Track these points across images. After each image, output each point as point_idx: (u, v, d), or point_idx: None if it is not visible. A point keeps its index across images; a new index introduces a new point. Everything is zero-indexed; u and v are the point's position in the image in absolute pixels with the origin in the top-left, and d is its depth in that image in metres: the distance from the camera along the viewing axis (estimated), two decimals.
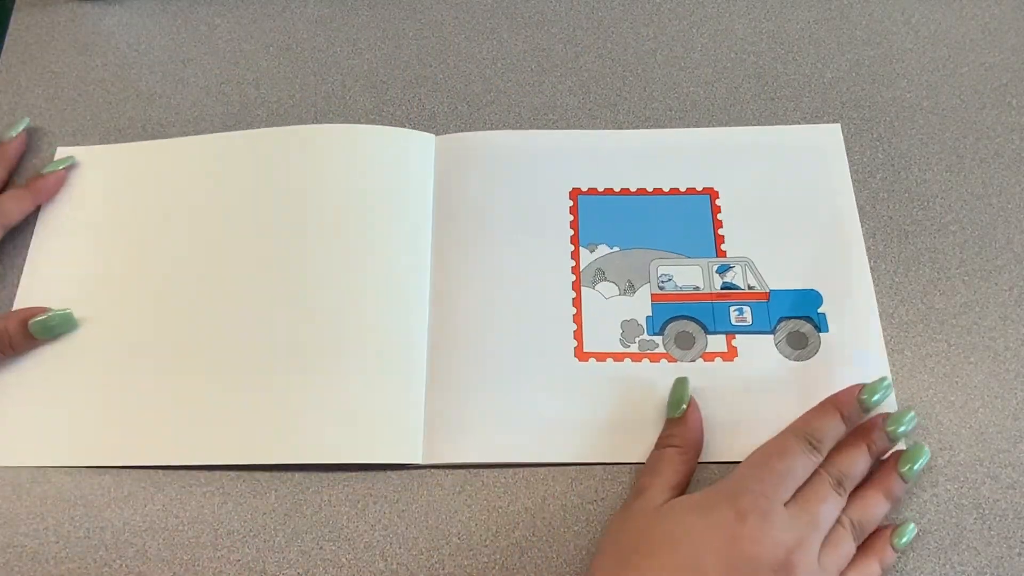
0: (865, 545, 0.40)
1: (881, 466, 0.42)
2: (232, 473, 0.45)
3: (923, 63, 0.55)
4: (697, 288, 0.46)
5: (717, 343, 0.45)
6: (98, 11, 0.60)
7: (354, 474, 0.45)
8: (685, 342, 0.45)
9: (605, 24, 0.58)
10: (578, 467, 0.44)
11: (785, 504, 0.38)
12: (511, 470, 0.45)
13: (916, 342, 0.47)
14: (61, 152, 0.54)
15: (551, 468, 0.45)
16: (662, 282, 0.47)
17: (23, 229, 0.52)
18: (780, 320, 0.46)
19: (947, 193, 0.51)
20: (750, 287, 0.46)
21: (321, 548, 0.43)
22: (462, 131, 0.54)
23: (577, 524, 0.43)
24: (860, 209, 0.50)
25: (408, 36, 0.58)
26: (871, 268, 0.48)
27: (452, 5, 0.59)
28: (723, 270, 0.47)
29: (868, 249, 0.49)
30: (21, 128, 0.54)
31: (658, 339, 0.45)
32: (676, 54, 0.57)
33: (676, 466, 0.41)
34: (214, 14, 0.60)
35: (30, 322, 0.47)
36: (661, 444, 0.43)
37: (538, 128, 0.54)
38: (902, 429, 0.42)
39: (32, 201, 0.51)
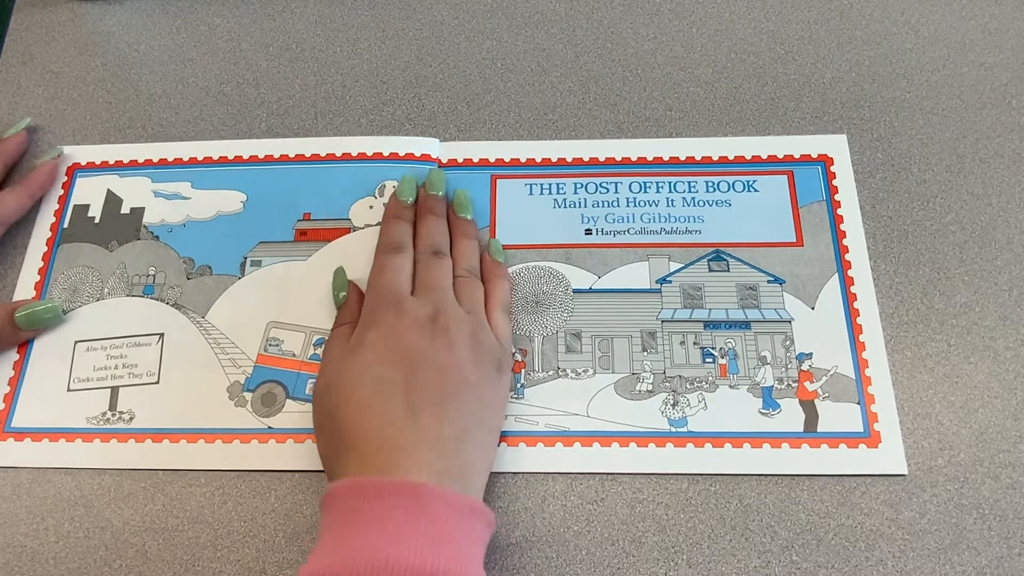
0: (484, 279, 0.48)
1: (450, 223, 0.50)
2: (232, 473, 0.45)
3: (923, 63, 0.55)
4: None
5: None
6: (98, 11, 0.60)
7: None
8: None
9: (605, 24, 0.58)
10: None
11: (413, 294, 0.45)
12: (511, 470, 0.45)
13: (916, 342, 0.47)
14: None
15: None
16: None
17: (24, 227, 0.52)
18: None
19: (947, 193, 0.51)
20: None
21: None
22: (461, 129, 0.54)
23: (577, 524, 0.43)
24: (860, 209, 0.50)
25: (408, 36, 0.58)
26: (871, 268, 0.49)
27: (452, 5, 0.59)
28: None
29: (868, 249, 0.49)
30: (23, 127, 0.54)
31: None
32: (676, 54, 0.57)
33: (347, 336, 0.45)
34: (214, 14, 0.60)
35: (16, 314, 0.47)
36: (335, 326, 0.47)
37: (538, 130, 0.54)
38: (437, 183, 0.50)
39: (28, 196, 0.51)
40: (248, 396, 0.46)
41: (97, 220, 0.52)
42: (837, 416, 0.45)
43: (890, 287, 0.48)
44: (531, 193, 0.52)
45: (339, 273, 0.48)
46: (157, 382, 0.47)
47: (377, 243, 0.49)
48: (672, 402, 0.46)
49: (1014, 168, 0.51)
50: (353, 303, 0.47)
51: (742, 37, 0.57)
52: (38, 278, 0.50)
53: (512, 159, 0.53)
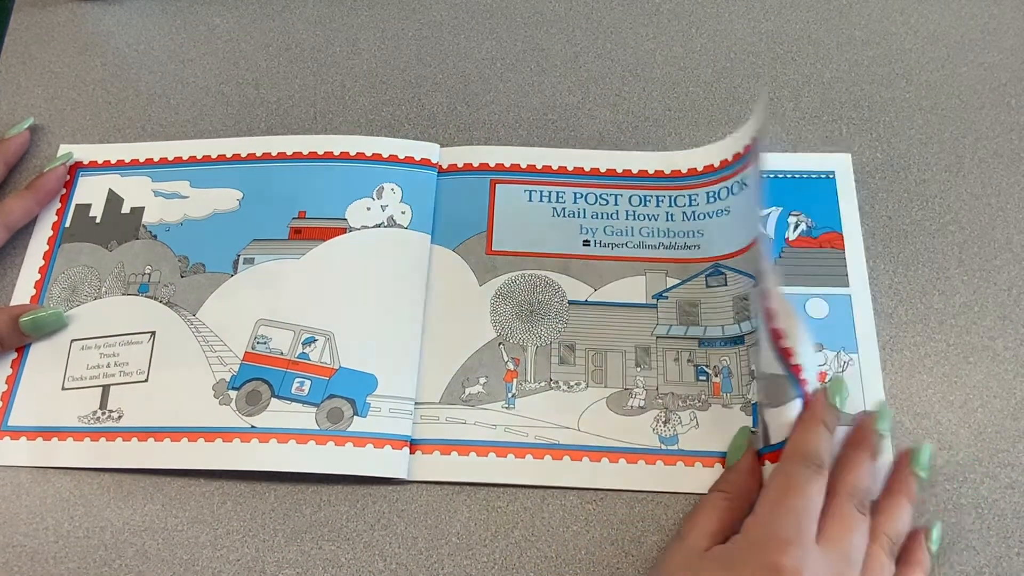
0: (902, 559, 0.40)
1: (894, 471, 0.42)
2: (232, 473, 0.45)
3: (923, 63, 0.55)
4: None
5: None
6: (98, 11, 0.60)
7: (351, 476, 0.45)
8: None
9: (605, 24, 0.58)
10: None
11: (816, 539, 0.37)
12: None
13: (915, 342, 0.47)
14: (63, 149, 0.54)
15: None
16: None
17: (26, 226, 0.52)
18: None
19: (946, 193, 0.51)
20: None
21: (321, 548, 0.43)
22: (461, 129, 0.54)
23: (576, 524, 0.43)
24: (860, 209, 0.50)
25: (408, 36, 0.58)
26: (869, 268, 0.48)
27: (452, 5, 0.59)
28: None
29: (867, 249, 0.49)
30: (25, 126, 0.54)
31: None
32: (676, 55, 0.57)
33: (719, 512, 0.41)
34: (214, 14, 0.60)
35: (21, 319, 0.47)
36: (712, 488, 0.43)
37: (537, 130, 0.54)
38: (886, 424, 0.42)
39: (35, 202, 0.51)
40: (233, 394, 0.46)
41: (98, 220, 0.52)
42: None
43: (889, 287, 0.48)
44: (530, 200, 0.51)
45: (742, 433, 0.44)
46: (146, 380, 0.47)
47: (788, 442, 0.41)
48: (664, 419, 0.45)
49: (1013, 168, 0.51)
50: (742, 475, 0.42)
51: (741, 37, 0.57)
52: (38, 277, 0.50)
53: (512, 164, 0.53)
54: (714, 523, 0.40)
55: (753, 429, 0.44)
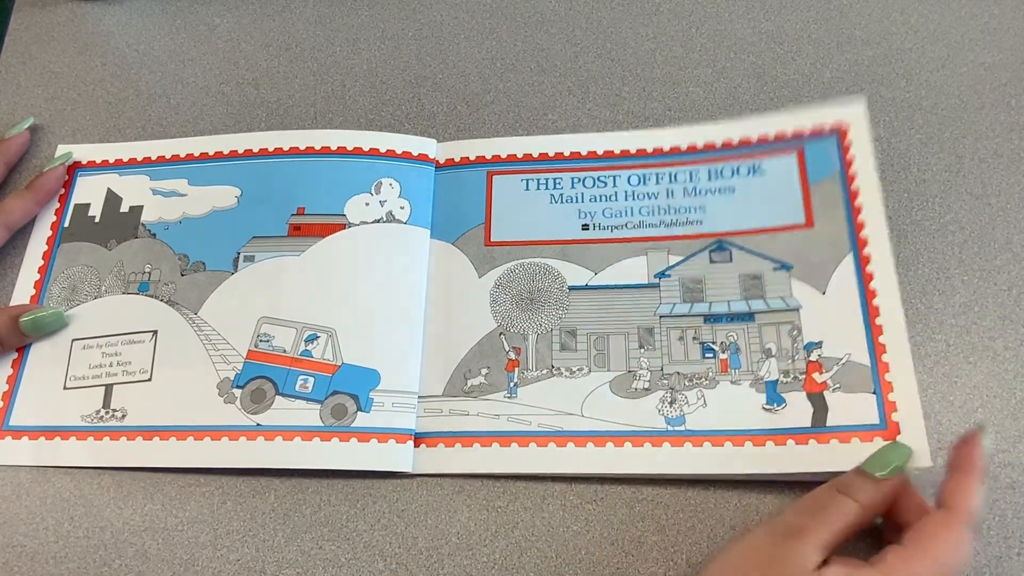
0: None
1: None
2: (232, 473, 0.45)
3: (923, 63, 0.55)
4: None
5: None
6: (98, 11, 0.60)
7: (353, 474, 0.45)
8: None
9: (605, 24, 0.58)
10: None
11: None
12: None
13: (915, 342, 0.47)
14: (61, 149, 0.54)
15: None
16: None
17: (25, 226, 0.52)
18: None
19: (946, 193, 0.51)
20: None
21: (320, 548, 0.43)
22: (461, 129, 0.54)
23: (576, 524, 0.43)
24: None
25: (408, 36, 0.58)
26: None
27: (452, 5, 0.59)
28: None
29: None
30: (25, 126, 0.54)
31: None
32: (676, 54, 0.57)
33: (846, 523, 0.37)
34: (214, 14, 0.60)
35: (21, 319, 0.47)
36: (840, 490, 0.39)
37: (537, 130, 0.54)
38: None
39: (35, 201, 0.51)
40: (237, 392, 0.46)
41: (97, 219, 0.52)
42: (849, 408, 0.43)
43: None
44: (527, 188, 0.51)
45: (900, 453, 0.40)
46: (149, 379, 0.47)
47: (953, 494, 0.38)
48: (670, 400, 0.45)
49: (1014, 168, 0.51)
50: (884, 496, 0.39)
51: (741, 37, 0.57)
52: (38, 277, 0.50)
53: (509, 155, 0.52)
54: (835, 533, 0.37)
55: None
